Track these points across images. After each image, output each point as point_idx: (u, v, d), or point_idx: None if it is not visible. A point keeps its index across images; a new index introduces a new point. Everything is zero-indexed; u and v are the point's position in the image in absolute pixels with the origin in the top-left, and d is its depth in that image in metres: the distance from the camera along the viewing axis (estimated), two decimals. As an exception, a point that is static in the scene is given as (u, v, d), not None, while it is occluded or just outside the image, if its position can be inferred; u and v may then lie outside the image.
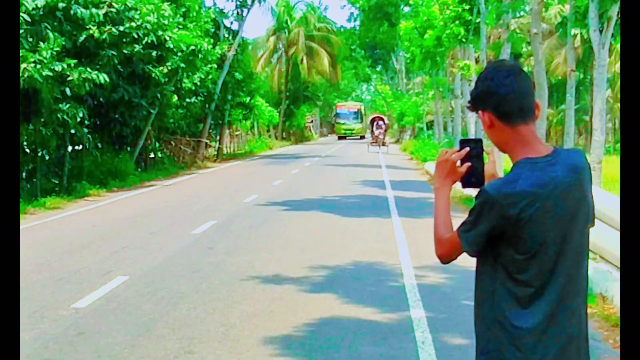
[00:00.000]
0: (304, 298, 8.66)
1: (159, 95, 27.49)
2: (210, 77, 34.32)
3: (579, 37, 19.93)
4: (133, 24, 24.05)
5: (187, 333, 7.22)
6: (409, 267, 10.30)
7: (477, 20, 25.45)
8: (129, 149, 28.64)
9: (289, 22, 74.13)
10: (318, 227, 14.65)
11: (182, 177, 29.22)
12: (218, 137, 44.01)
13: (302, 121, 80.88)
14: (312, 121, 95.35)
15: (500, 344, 2.73)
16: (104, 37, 22.79)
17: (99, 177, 23.80)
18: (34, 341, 6.97)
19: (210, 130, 41.57)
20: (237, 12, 41.95)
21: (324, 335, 7.21)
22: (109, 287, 9.20)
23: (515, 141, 2.74)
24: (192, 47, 27.67)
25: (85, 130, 22.24)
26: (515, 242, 2.66)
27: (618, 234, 9.84)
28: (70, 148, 23.13)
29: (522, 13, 25.49)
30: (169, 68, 26.35)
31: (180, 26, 27.75)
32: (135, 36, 24.26)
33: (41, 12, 19.30)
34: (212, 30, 35.52)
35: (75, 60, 19.70)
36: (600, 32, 13.59)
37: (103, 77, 20.71)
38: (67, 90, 19.80)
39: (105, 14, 22.87)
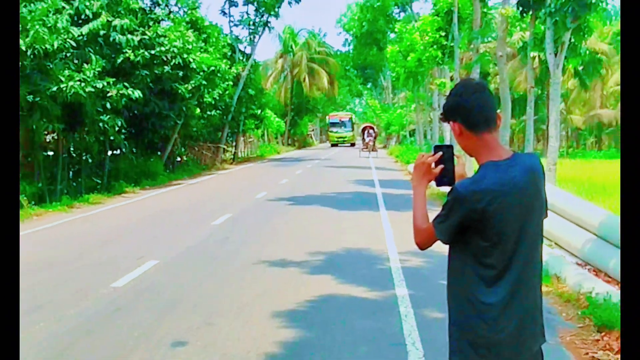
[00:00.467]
0: (305, 279, 8.67)
1: (184, 108, 27.46)
2: (227, 92, 34.40)
3: (537, 59, 19.92)
4: (162, 48, 24.10)
5: (207, 309, 7.23)
6: (394, 253, 10.31)
7: (452, 45, 25.45)
8: (159, 153, 28.66)
9: (293, 47, 74.09)
10: (318, 219, 14.64)
11: (203, 177, 29.22)
12: (234, 143, 44.03)
13: (304, 130, 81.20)
14: (313, 130, 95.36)
15: (469, 317, 2.74)
16: (138, 59, 22.81)
17: (134, 177, 23.83)
18: (78, 316, 6.98)
19: (227, 138, 41.54)
20: (250, 38, 41.92)
21: (322, 310, 7.21)
22: (142, 269, 9.22)
23: (481, 147, 2.75)
24: (212, 68, 27.73)
25: (122, 137, 22.22)
26: (481, 231, 2.66)
27: (570, 224, 9.88)
28: (109, 152, 23.17)
29: (489, 38, 25.50)
30: (193, 85, 26.39)
31: (202, 50, 27.78)
32: (165, 58, 24.30)
33: (85, 39, 19.29)
34: (229, 53, 35.60)
35: (113, 79, 19.68)
36: (555, 55, 13.59)
37: (137, 93, 20.71)
38: (107, 104, 19.78)
39: (139, 40, 22.88)
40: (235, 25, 41.40)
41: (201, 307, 7.31)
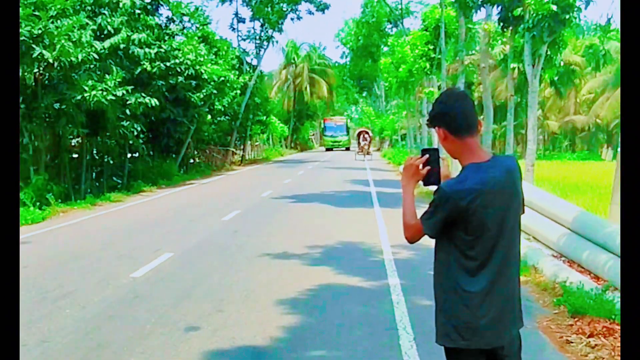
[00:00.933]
0: (306, 270, 8.67)
1: (196, 115, 27.47)
2: (235, 101, 34.40)
3: (516, 70, 19.92)
4: (177, 61, 24.09)
5: (217, 296, 7.23)
6: (387, 246, 10.32)
7: (439, 57, 25.43)
8: (173, 155, 28.61)
9: (295, 59, 74.22)
10: (317, 215, 14.63)
11: (214, 178, 29.20)
12: (242, 147, 43.98)
13: (306, 134, 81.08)
14: (313, 134, 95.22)
15: (454, 304, 2.76)
16: (154, 70, 22.81)
17: (151, 178, 23.80)
18: (101, 302, 7.00)
19: (236, 141, 41.51)
20: (256, 51, 41.92)
21: (322, 297, 7.22)
22: (159, 261, 9.22)
23: (464, 150, 2.76)
24: (222, 78, 27.74)
25: (141, 141, 22.26)
26: (464, 226, 2.68)
27: (546, 220, 9.88)
28: (129, 155, 23.17)
29: (473, 51, 25.49)
30: (204, 94, 26.40)
31: (213, 62, 27.79)
32: (179, 70, 24.29)
33: (107, 52, 19.28)
34: (237, 65, 35.56)
35: (132, 88, 19.68)
36: (533, 66, 13.59)
37: (154, 101, 20.71)
38: (127, 111, 19.82)
39: (155, 53, 22.87)
40: (243, 39, 41.47)
41: (212, 295, 7.31)
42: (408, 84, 32.29)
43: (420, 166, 2.86)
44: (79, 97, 17.06)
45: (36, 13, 15.94)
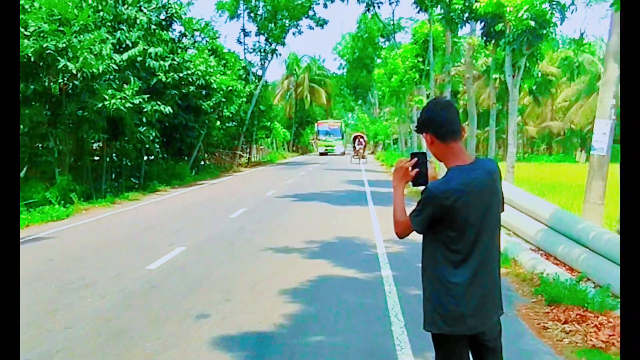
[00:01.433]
0: (306, 263, 8.68)
1: (206, 121, 27.48)
2: (242, 108, 34.38)
3: (498, 80, 19.94)
4: (189, 72, 24.10)
5: (225, 287, 7.23)
6: (380, 241, 10.32)
7: (428, 68, 25.43)
8: (186, 158, 28.63)
9: (297, 70, 74.14)
10: (317, 212, 14.63)
11: (222, 178, 29.20)
12: (248, 150, 43.97)
13: (306, 139, 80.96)
14: (313, 139, 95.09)
15: (440, 294, 2.76)
16: (168, 80, 22.80)
17: (165, 178, 23.83)
18: (119, 292, 6.99)
19: (243, 145, 41.51)
20: (261, 63, 41.89)
21: (320, 288, 7.22)
22: (172, 254, 9.22)
23: (449, 154, 2.77)
24: (230, 87, 27.77)
25: (156, 145, 22.23)
26: (449, 223, 2.68)
27: (525, 216, 9.88)
28: (145, 158, 23.17)
29: (458, 63, 25.48)
30: (214, 102, 26.43)
31: (222, 73, 27.82)
32: (190, 80, 24.31)
33: (125, 64, 19.29)
34: (244, 75, 35.56)
35: (148, 97, 19.70)
36: (513, 76, 13.59)
37: (168, 109, 20.74)
38: (143, 117, 19.80)
39: (169, 65, 22.86)
40: (249, 52, 41.41)
41: (220, 285, 7.32)
42: (399, 93, 32.21)
43: (410, 168, 2.87)
44: (99, 105, 17.07)
45: (61, 28, 15.93)
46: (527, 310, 6.25)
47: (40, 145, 17.17)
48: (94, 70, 16.24)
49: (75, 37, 16.09)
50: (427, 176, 2.86)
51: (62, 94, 16.75)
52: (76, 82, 16.44)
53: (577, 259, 7.67)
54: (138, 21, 21.43)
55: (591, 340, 5.20)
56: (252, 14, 39.61)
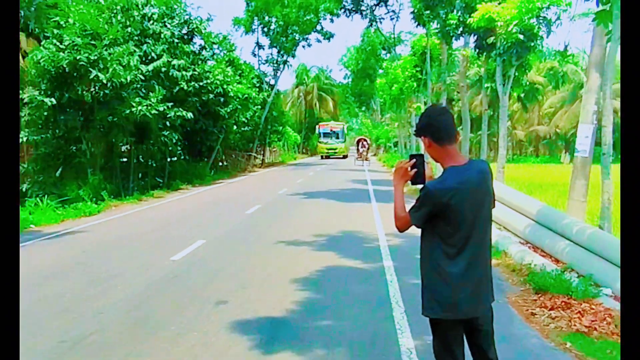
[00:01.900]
0: (315, 255, 8.68)
1: (224, 126, 27.48)
2: (256, 114, 34.43)
3: (489, 88, 19.78)
4: (208, 81, 24.09)
5: (241, 276, 7.25)
6: (382, 234, 10.32)
7: (425, 78, 25.34)
8: (205, 159, 28.66)
9: (306, 79, 74.15)
10: (324, 208, 14.62)
11: (239, 178, 29.25)
12: (262, 152, 43.96)
13: (315, 142, 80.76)
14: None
15: (437, 283, 2.76)
16: (190, 89, 22.83)
17: (187, 178, 23.85)
18: (146, 281, 7.03)
19: (257, 148, 41.50)
20: (274, 73, 41.85)
21: (328, 277, 7.22)
22: (193, 247, 9.25)
23: (445, 155, 2.77)
24: (245, 95, 27.80)
25: (178, 148, 22.29)
26: (445, 218, 2.69)
27: (515, 213, 9.84)
28: (169, 159, 23.22)
29: (453, 73, 25.37)
30: (231, 108, 26.42)
31: (238, 82, 27.82)
32: (210, 88, 24.29)
33: (151, 74, 19.33)
34: (258, 84, 35.56)
35: (172, 104, 19.77)
36: (503, 85, 13.54)
37: (189, 115, 20.74)
38: (167, 123, 19.88)
39: (190, 75, 22.89)
40: (263, 63, 41.39)
41: (237, 275, 7.33)
42: (399, 100, 32.10)
43: (409, 168, 2.87)
44: (127, 112, 17.14)
45: (93, 42, 16.02)
46: (517, 298, 6.23)
47: (74, 147, 17.26)
48: (123, 80, 16.32)
49: (106, 50, 16.18)
50: (424, 176, 2.86)
51: (94, 101, 16.84)
52: (106, 91, 16.52)
53: (562, 251, 7.64)
54: (162, 35, 21.50)
55: (575, 325, 5.19)
56: (265, 29, 39.59)
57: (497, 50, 12.86)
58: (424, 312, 2.84)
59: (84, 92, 16.47)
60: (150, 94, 18.39)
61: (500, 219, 10.03)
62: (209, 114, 25.62)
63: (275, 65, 41.41)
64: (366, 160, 41.89)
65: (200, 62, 24.65)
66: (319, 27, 40.17)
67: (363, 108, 77.73)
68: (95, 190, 15.96)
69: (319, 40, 41.06)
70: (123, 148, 20.40)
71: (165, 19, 22.47)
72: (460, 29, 15.85)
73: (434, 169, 3.19)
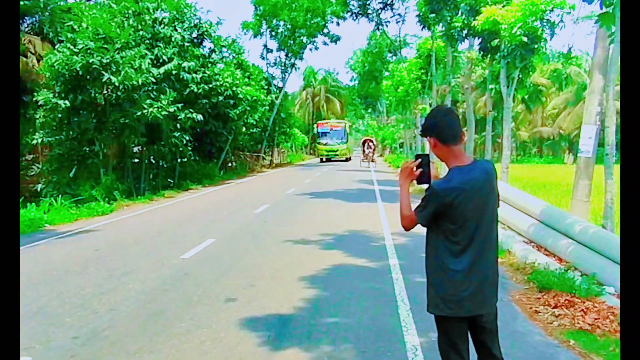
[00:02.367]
0: (322, 253, 8.68)
1: (233, 127, 27.55)
2: (265, 116, 34.41)
3: (494, 90, 19.67)
4: (217, 83, 24.17)
5: (250, 274, 7.26)
6: (388, 233, 10.30)
7: (430, 80, 25.30)
8: (215, 160, 28.73)
9: (313, 82, 74.16)
10: (331, 208, 14.60)
11: (248, 178, 29.29)
12: (270, 153, 43.97)
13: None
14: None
15: (441, 280, 2.76)
16: (199, 91, 22.92)
17: (197, 178, 23.93)
18: (157, 278, 7.05)
19: (265, 149, 41.53)
20: (282, 76, 41.88)
21: (335, 275, 7.22)
22: (203, 245, 9.28)
23: (450, 155, 2.76)
24: (254, 97, 27.81)
25: (189, 149, 22.36)
26: (450, 217, 2.68)
27: (518, 212, 9.81)
28: (179, 160, 23.30)
29: (458, 75, 25.29)
30: (240, 110, 26.46)
31: (247, 84, 27.85)
32: (219, 91, 24.36)
33: (162, 77, 19.43)
34: (266, 86, 35.60)
35: (182, 105, 19.83)
36: (507, 87, 13.48)
37: (199, 116, 20.83)
38: (177, 124, 19.96)
39: (200, 77, 22.99)
40: (271, 66, 41.44)
41: (246, 272, 7.35)
42: (405, 102, 32.07)
43: (415, 168, 2.86)
44: (139, 113, 17.23)
45: (105, 46, 16.13)
46: (520, 296, 6.21)
47: (87, 149, 17.38)
48: (134, 82, 16.41)
49: (118, 53, 16.28)
50: (430, 175, 2.85)
51: (107, 103, 16.95)
52: (119, 93, 16.62)
53: (565, 250, 7.60)
54: (173, 39, 21.59)
55: (578, 323, 5.16)
56: (273, 32, 39.62)
57: (502, 53, 12.81)
58: (429, 310, 2.84)
59: (97, 95, 16.58)
60: (161, 96, 18.48)
61: (504, 218, 10.00)
62: (219, 115, 25.68)
63: (283, 67, 41.44)
64: (372, 161, 39.35)
65: (209, 64, 24.73)
66: (325, 30, 40.18)
67: (369, 110, 77.66)
68: (107, 190, 16.06)
69: (325, 43, 41.03)
70: (135, 149, 20.50)
71: (176, 23, 22.58)
72: (465, 31, 15.82)
73: (439, 169, 3.19)
